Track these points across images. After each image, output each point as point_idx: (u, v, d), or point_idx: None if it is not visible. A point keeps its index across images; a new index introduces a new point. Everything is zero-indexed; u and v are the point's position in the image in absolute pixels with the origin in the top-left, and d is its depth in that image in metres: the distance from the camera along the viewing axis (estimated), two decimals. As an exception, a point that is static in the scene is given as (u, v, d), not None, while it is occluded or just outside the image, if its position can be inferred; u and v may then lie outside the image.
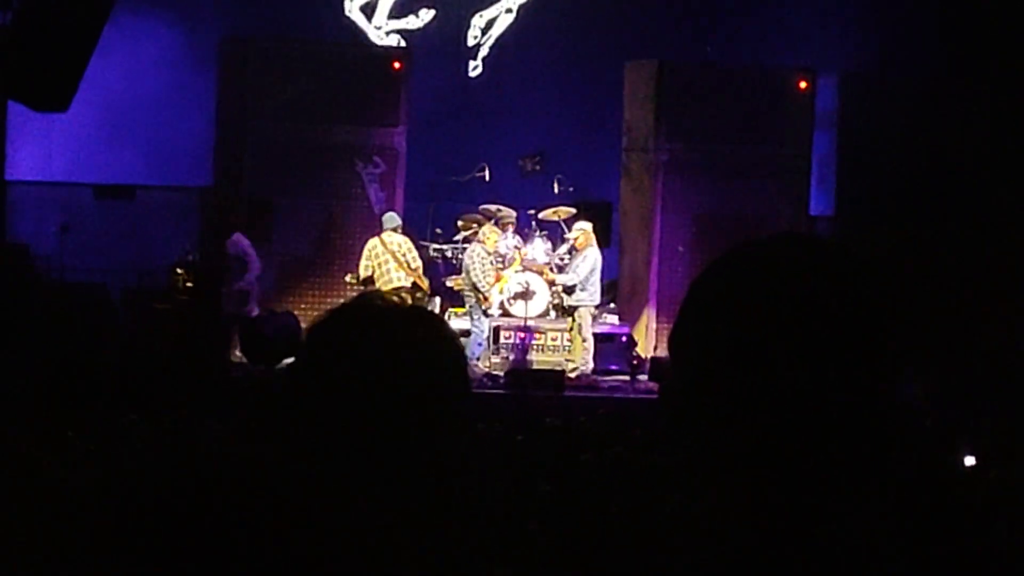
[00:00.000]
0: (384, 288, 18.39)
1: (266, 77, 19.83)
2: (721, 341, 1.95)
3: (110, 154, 21.89)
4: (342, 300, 17.42)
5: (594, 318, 19.49)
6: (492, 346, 19.00)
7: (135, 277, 19.98)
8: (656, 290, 20.40)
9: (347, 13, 22.84)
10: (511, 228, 19.81)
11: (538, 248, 19.80)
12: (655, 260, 20.50)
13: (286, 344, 17.80)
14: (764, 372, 1.92)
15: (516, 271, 19.37)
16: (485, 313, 18.90)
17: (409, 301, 18.45)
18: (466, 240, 19.91)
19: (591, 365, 18.98)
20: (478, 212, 20.13)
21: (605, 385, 18.95)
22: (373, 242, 18.91)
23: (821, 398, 1.91)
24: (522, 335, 19.10)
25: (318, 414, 2.36)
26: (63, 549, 2.74)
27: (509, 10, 23.22)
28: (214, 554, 2.06)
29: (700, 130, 20.47)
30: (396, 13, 23.00)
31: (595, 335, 19.26)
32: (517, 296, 19.18)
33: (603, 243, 19.75)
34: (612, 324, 20.45)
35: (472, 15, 23.23)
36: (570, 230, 19.55)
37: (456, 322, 18.98)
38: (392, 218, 19.08)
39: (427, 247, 19.90)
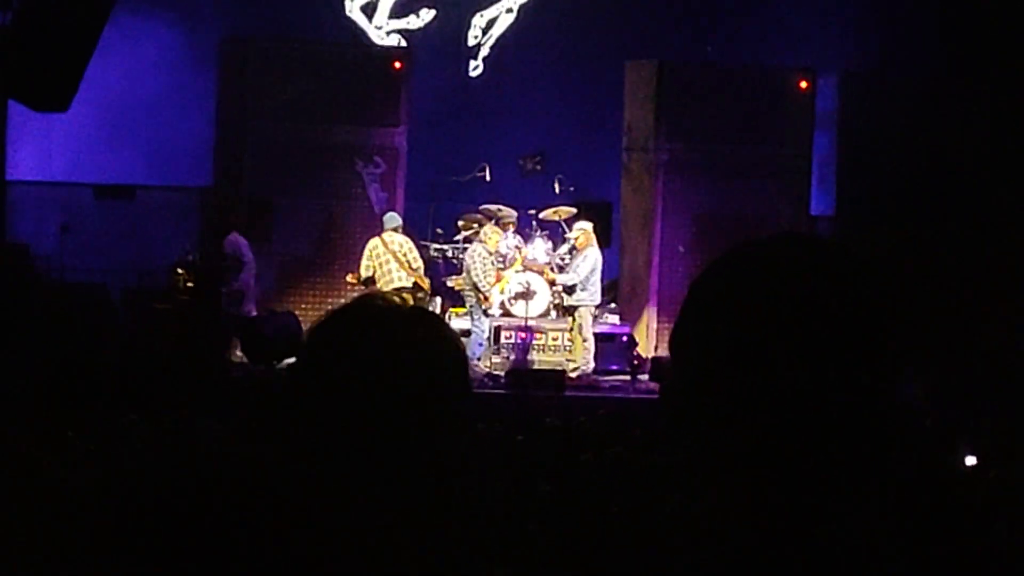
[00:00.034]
0: (385, 288, 18.38)
1: (266, 77, 19.83)
2: (721, 341, 1.95)
3: (110, 154, 21.89)
4: (343, 300, 17.37)
5: (595, 318, 19.49)
6: (493, 346, 19.00)
7: (135, 277, 19.98)
8: (656, 290, 20.40)
9: (347, 13, 22.84)
10: (512, 228, 19.81)
11: (539, 248, 19.80)
12: (655, 260, 20.50)
13: (286, 344, 17.80)
14: (764, 372, 1.92)
15: (517, 271, 19.37)
16: (485, 313, 18.91)
17: (410, 301, 18.52)
18: (467, 240, 19.91)
19: (592, 365, 18.98)
20: (479, 212, 20.13)
21: (606, 385, 18.95)
22: (374, 242, 18.90)
23: (821, 398, 1.91)
24: (523, 335, 19.11)
25: (318, 414, 2.36)
26: (63, 549, 2.74)
27: (509, 10, 23.22)
28: (214, 554, 2.06)
29: (700, 130, 20.47)
30: (396, 13, 23.00)
31: (596, 335, 19.26)
32: (518, 296, 19.18)
33: (603, 243, 19.75)
34: (613, 324, 20.45)
35: (472, 15, 23.23)
36: (570, 230, 19.56)
37: (456, 322, 18.98)
38: (393, 218, 19.07)
39: (428, 247, 19.90)
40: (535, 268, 19.45)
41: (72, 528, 2.74)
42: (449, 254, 20.21)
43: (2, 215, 18.00)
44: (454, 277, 19.76)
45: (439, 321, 2.60)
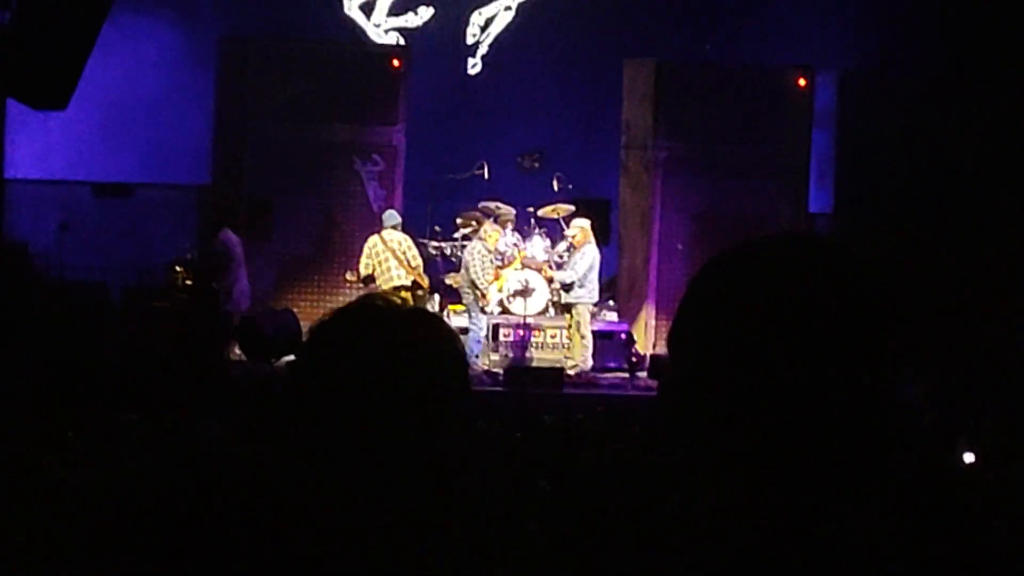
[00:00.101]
0: (384, 286, 18.38)
1: (265, 76, 19.83)
2: (720, 339, 1.95)
3: (109, 152, 21.89)
4: (342, 298, 17.40)
5: (593, 315, 19.50)
6: (491, 343, 19.01)
7: (134, 275, 19.97)
8: (655, 287, 20.40)
9: (346, 11, 22.83)
10: (510, 226, 19.81)
11: (537, 245, 19.80)
12: (654, 258, 20.51)
13: (285, 342, 17.81)
14: (763, 370, 1.92)
15: (516, 269, 19.37)
16: (483, 311, 18.90)
17: (410, 299, 18.48)
18: (465, 238, 19.91)
19: (590, 362, 18.98)
20: (477, 210, 20.13)
21: (604, 382, 18.95)
22: (373, 240, 18.90)
23: (820, 397, 1.91)
24: (521, 332, 19.11)
25: (318, 414, 2.37)
26: (63, 549, 2.74)
27: (508, 8, 23.21)
28: (214, 554, 2.06)
29: (699, 128, 20.47)
30: (395, 11, 23.00)
31: (594, 332, 19.26)
32: (516, 293, 19.18)
33: (602, 241, 19.75)
34: (611, 321, 20.46)
35: (471, 13, 23.23)
36: (569, 227, 19.55)
37: (455, 319, 18.99)
38: (392, 216, 19.07)
39: (426, 245, 19.90)
40: (534, 266, 19.45)
41: (72, 528, 2.74)
42: (447, 252, 20.22)
43: (1, 213, 18.00)
44: (452, 275, 19.76)
45: (439, 321, 2.60)
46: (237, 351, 18.68)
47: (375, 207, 19.83)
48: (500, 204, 19.99)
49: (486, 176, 20.67)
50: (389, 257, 18.73)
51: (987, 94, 19.77)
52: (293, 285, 19.92)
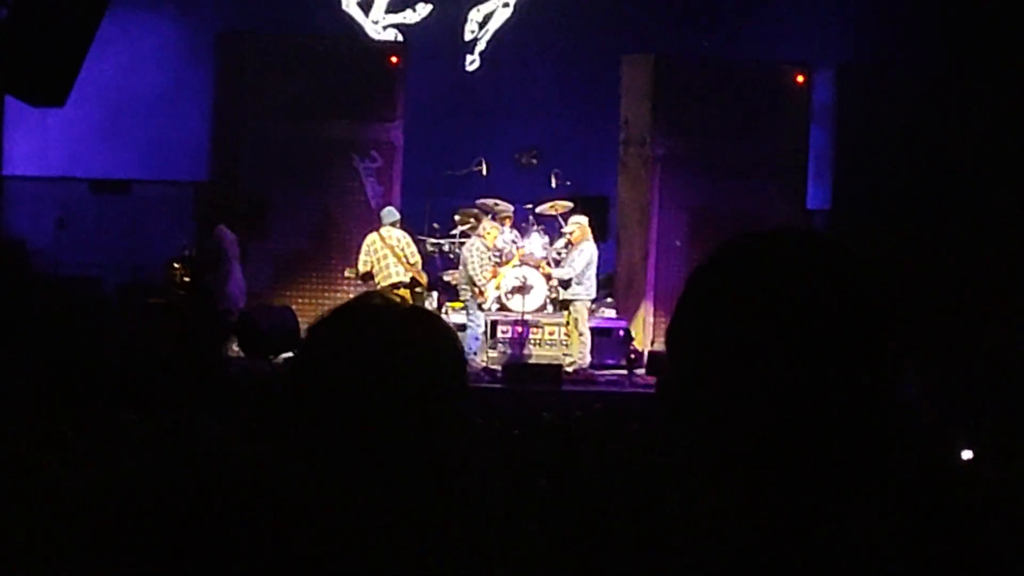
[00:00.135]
0: (383, 283, 18.38)
1: (263, 72, 19.82)
2: (718, 336, 1.95)
3: (106, 149, 21.88)
4: (340, 295, 17.37)
5: (591, 312, 19.50)
6: (489, 340, 19.01)
7: (131, 272, 19.98)
8: (653, 284, 20.41)
9: (344, 8, 22.82)
10: (508, 223, 19.81)
11: (535, 242, 19.80)
12: (652, 254, 20.51)
13: (283, 339, 17.80)
14: (761, 368, 1.92)
15: (514, 266, 19.37)
16: (480, 308, 18.90)
17: (408, 296, 18.48)
18: (463, 235, 19.92)
19: (588, 359, 18.98)
20: (475, 207, 20.14)
21: (602, 379, 18.96)
22: (372, 237, 18.89)
23: (819, 395, 1.91)
24: (519, 329, 19.12)
25: (317, 413, 2.36)
26: (63, 549, 2.74)
27: (506, 4, 23.20)
28: (214, 554, 2.06)
29: (697, 125, 20.47)
30: (393, 7, 22.99)
31: (592, 329, 19.26)
32: (515, 290, 19.17)
33: (600, 237, 19.75)
34: (609, 318, 20.46)
35: (469, 10, 23.21)
36: (567, 224, 19.55)
37: (453, 317, 19.00)
38: (391, 213, 19.06)
39: (424, 241, 19.90)
40: (531, 263, 19.45)
41: (72, 528, 2.74)
42: (446, 249, 20.22)
43: (-1, 210, 18.01)
44: (451, 272, 19.76)
45: (437, 320, 2.60)
46: (235, 348, 18.67)
47: (373, 204, 19.82)
48: (498, 201, 19.99)
49: (484, 173, 20.67)
50: (388, 254, 18.72)
51: (986, 91, 19.77)
52: (291, 282, 19.91)
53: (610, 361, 19.68)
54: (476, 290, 18.71)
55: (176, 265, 19.12)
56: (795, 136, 20.73)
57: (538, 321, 19.27)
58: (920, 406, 13.44)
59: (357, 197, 20.07)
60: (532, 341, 19.20)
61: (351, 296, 3.61)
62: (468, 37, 23.28)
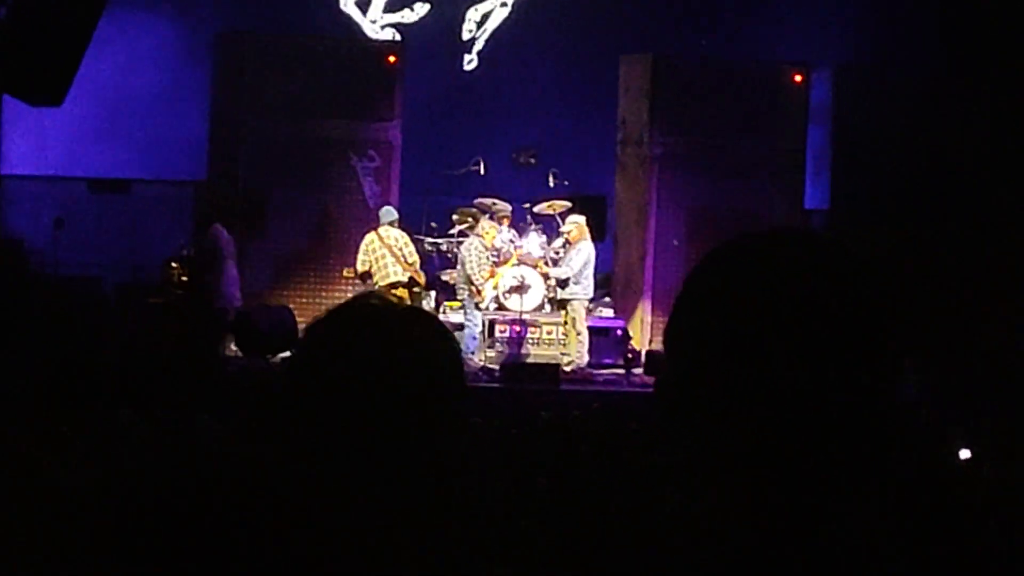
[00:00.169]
0: (381, 283, 18.38)
1: (262, 72, 19.81)
2: (716, 335, 1.95)
3: (105, 149, 21.87)
4: (338, 294, 17.36)
5: (589, 312, 19.50)
6: (487, 340, 19.01)
7: (129, 272, 19.97)
8: (651, 284, 20.40)
9: (342, 7, 22.82)
10: (506, 222, 19.81)
11: (533, 242, 19.79)
12: (650, 254, 20.51)
13: (282, 338, 17.79)
14: (760, 367, 1.92)
15: (512, 266, 19.36)
16: (477, 307, 18.90)
17: (406, 296, 18.46)
18: (461, 234, 19.92)
19: (586, 359, 18.98)
20: (473, 206, 20.14)
21: (600, 379, 18.96)
22: (370, 237, 18.88)
23: (818, 395, 1.91)
24: (517, 329, 19.11)
25: (315, 414, 2.36)
26: (63, 549, 2.74)
27: (504, 4, 23.20)
28: (214, 554, 2.06)
29: (695, 124, 20.48)
30: (391, 7, 22.99)
31: (590, 329, 19.26)
32: (512, 290, 19.17)
33: (598, 237, 19.75)
34: (607, 318, 20.46)
35: (467, 9, 23.22)
36: (565, 224, 19.55)
37: (451, 316, 18.99)
38: (389, 212, 19.05)
39: (422, 241, 19.90)
40: (529, 262, 19.44)
41: (72, 528, 2.74)
42: (444, 248, 20.23)
43: (-3, 210, 18.00)
44: (449, 271, 19.76)
45: (434, 320, 2.61)
46: (233, 347, 18.67)
47: (371, 203, 19.82)
48: (496, 200, 19.98)
49: (482, 172, 20.68)
50: (386, 254, 18.71)
51: (984, 90, 19.77)
52: (289, 281, 19.91)
53: (608, 360, 19.68)
54: (473, 289, 18.71)
55: (174, 265, 19.11)
56: (793, 136, 20.73)
57: (536, 320, 19.27)
58: (917, 401, 13.43)
59: (355, 196, 20.07)
60: (530, 340, 19.19)
61: (349, 295, 3.62)
62: (466, 36, 23.28)
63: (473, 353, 18.64)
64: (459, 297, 19.13)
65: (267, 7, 22.07)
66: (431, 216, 20.51)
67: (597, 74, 22.32)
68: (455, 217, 20.29)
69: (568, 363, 18.82)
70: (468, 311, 18.87)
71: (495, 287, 19.10)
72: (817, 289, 1.93)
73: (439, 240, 20.26)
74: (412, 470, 2.34)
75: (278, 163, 19.80)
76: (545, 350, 19.19)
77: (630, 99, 20.83)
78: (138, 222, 21.38)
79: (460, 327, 18.53)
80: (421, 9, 23.03)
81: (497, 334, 19.13)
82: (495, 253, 19.29)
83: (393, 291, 17.84)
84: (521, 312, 19.09)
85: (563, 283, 18.99)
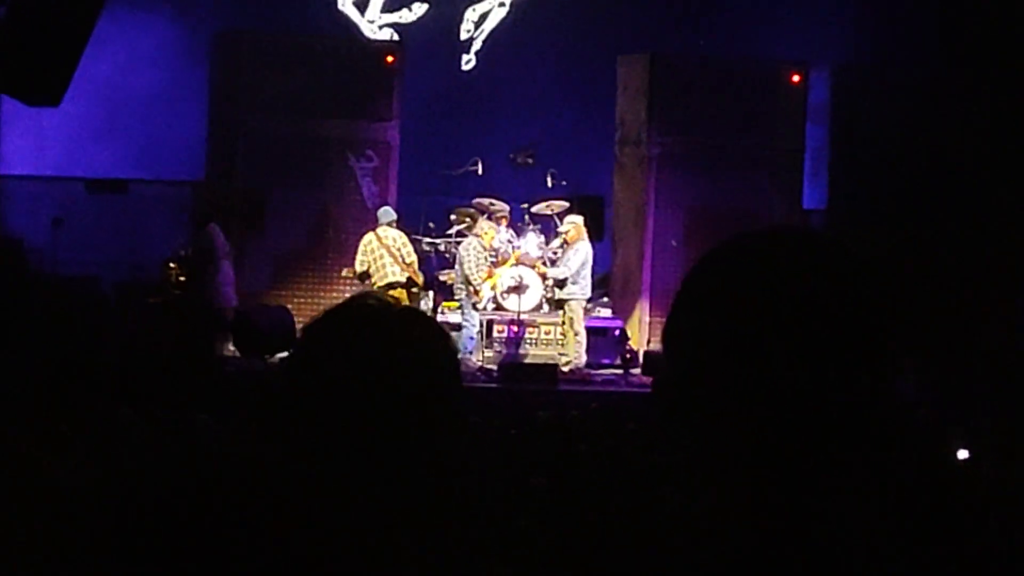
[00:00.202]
0: (379, 283, 18.37)
1: (259, 71, 19.81)
2: (714, 335, 1.95)
3: (103, 148, 21.87)
4: (336, 294, 17.36)
5: (586, 312, 19.49)
6: (485, 340, 19.00)
7: (128, 271, 19.95)
8: (649, 284, 20.40)
9: (340, 7, 22.82)
10: (504, 222, 19.81)
11: (531, 242, 19.79)
12: (648, 253, 20.50)
13: (280, 338, 17.79)
14: (758, 367, 1.92)
15: (511, 266, 19.35)
16: (474, 307, 18.90)
17: (404, 296, 18.44)
18: (459, 234, 19.92)
19: (584, 359, 18.97)
20: (471, 206, 20.13)
21: (598, 379, 18.96)
22: (368, 237, 18.88)
23: (817, 394, 1.91)
24: (515, 329, 19.11)
25: (312, 414, 2.36)
26: (63, 549, 2.74)
27: (502, 4, 23.20)
28: (214, 554, 2.06)
29: (693, 124, 20.48)
30: (389, 7, 22.98)
31: (588, 329, 19.26)
32: (510, 290, 19.16)
33: (596, 237, 19.74)
34: (605, 318, 20.46)
35: (465, 9, 23.22)
36: (562, 224, 19.55)
37: (449, 316, 18.99)
38: (387, 212, 19.05)
39: (420, 241, 19.89)
40: (527, 262, 19.44)
41: (72, 528, 2.74)
42: (442, 248, 20.22)
43: (-4, 209, 18.00)
44: (447, 271, 19.77)
45: (430, 320, 2.61)
46: (231, 347, 18.66)
47: (369, 203, 19.82)
48: (494, 200, 19.98)
49: (480, 172, 20.68)
50: (384, 254, 18.71)
51: (984, 90, 19.76)
52: (288, 281, 19.90)
53: (606, 361, 19.68)
54: (471, 289, 18.71)
55: (173, 265, 19.10)
56: (792, 135, 20.73)
57: (534, 320, 19.27)
58: (915, 399, 13.43)
59: (354, 196, 20.07)
60: (528, 341, 19.19)
61: (348, 295, 3.62)
62: (464, 36, 23.28)
63: (471, 353, 18.64)
64: (457, 297, 19.13)
65: (266, 7, 22.07)
66: (429, 216, 20.51)
67: (595, 74, 22.31)
68: (453, 217, 20.28)
69: (566, 363, 18.82)
70: (466, 311, 18.87)
71: (492, 287, 19.10)
72: (816, 288, 1.93)
73: (437, 240, 20.25)
74: (411, 470, 2.34)
75: (276, 163, 19.80)
76: (543, 350, 19.19)
77: (628, 99, 20.83)
78: (137, 222, 21.36)
79: (458, 327, 18.53)
80: (419, 9, 23.03)
81: (495, 334, 19.13)
82: (493, 253, 19.28)
83: (391, 291, 17.83)
84: (519, 312, 19.08)
85: (561, 283, 18.99)
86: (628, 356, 19.56)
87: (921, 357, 15.82)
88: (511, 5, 23.15)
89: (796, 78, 20.70)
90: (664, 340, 2.04)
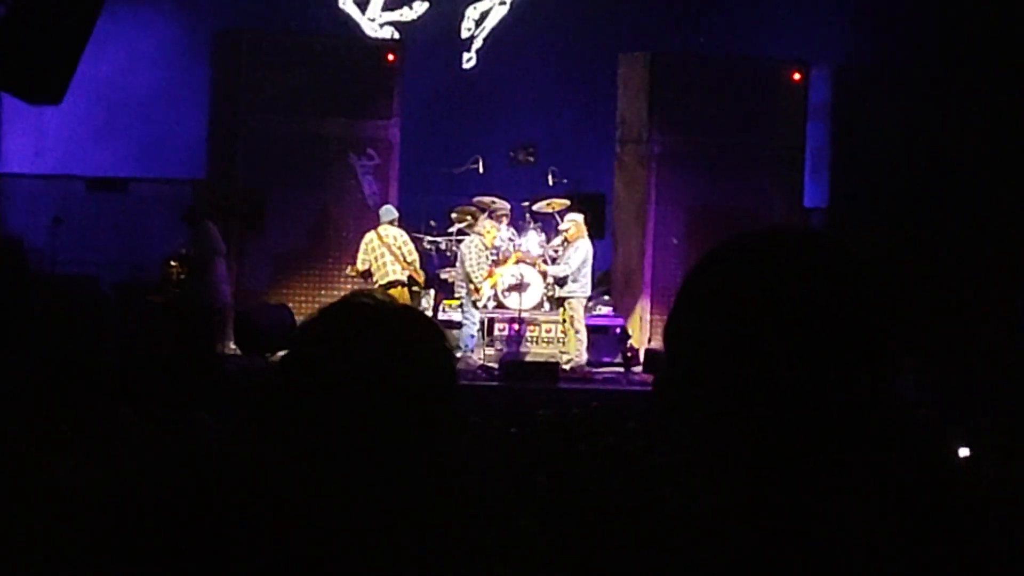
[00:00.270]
0: (381, 281, 18.38)
1: (260, 70, 19.80)
2: (715, 333, 1.95)
3: (103, 147, 21.87)
4: (337, 292, 17.33)
5: (587, 310, 19.49)
6: (486, 338, 19.00)
7: (127, 270, 19.95)
8: (650, 282, 20.39)
9: (341, 6, 22.82)
10: (505, 220, 19.80)
11: (532, 240, 19.79)
12: (649, 252, 20.50)
13: (281, 337, 17.78)
14: (759, 366, 1.92)
15: (511, 264, 19.35)
16: (475, 305, 18.89)
17: (405, 295, 18.43)
18: (460, 232, 19.92)
19: (585, 357, 18.97)
20: (472, 204, 20.13)
21: (599, 377, 18.95)
22: (370, 236, 18.88)
23: (817, 393, 1.91)
24: (516, 327, 19.11)
25: (310, 414, 2.36)
26: (63, 549, 2.74)
27: (503, 2, 23.20)
28: (214, 553, 2.06)
29: (693, 122, 20.47)
30: (390, 5, 22.99)
31: (589, 327, 19.25)
32: (511, 288, 19.16)
33: (597, 235, 19.73)
34: (606, 316, 20.45)
35: (466, 7, 23.22)
36: (563, 222, 19.55)
37: (449, 314, 18.98)
38: (389, 211, 19.05)
39: (421, 239, 19.89)
40: (528, 260, 19.44)
41: (72, 527, 2.74)
42: (442, 246, 20.22)
43: (-4, 208, 18.00)
44: (448, 269, 19.76)
45: (425, 318, 2.61)
46: (232, 346, 18.67)
47: (370, 202, 19.82)
48: (495, 199, 19.98)
49: (481, 171, 20.68)
50: (385, 253, 18.71)
51: (984, 89, 19.76)
52: (288, 279, 19.90)
53: (607, 359, 19.68)
54: (472, 287, 18.70)
55: (173, 263, 19.10)
56: (792, 134, 20.73)
57: (535, 318, 19.26)
58: (915, 399, 13.42)
59: (355, 195, 20.07)
60: (529, 339, 19.18)
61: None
62: (465, 35, 23.28)
63: (472, 351, 18.64)
64: (458, 295, 19.13)
65: (266, 6, 22.07)
66: (430, 215, 20.51)
67: (596, 72, 22.32)
68: (454, 215, 20.28)
69: (567, 361, 18.82)
70: (467, 309, 18.87)
71: (493, 286, 19.10)
72: (816, 288, 1.93)
73: (438, 238, 20.25)
74: (410, 469, 2.34)
75: (277, 162, 19.80)
76: (544, 348, 19.18)
77: (629, 97, 20.83)
78: (136, 221, 21.37)
79: (459, 325, 18.54)
80: (420, 7, 23.04)
81: (496, 332, 19.13)
82: (494, 252, 19.28)
83: (390, 290, 17.83)
84: (520, 310, 19.08)
85: (562, 281, 18.98)
86: (629, 354, 19.56)
87: (921, 357, 15.82)
88: (512, 4, 23.15)
89: (797, 77, 20.69)
90: (665, 339, 2.04)
